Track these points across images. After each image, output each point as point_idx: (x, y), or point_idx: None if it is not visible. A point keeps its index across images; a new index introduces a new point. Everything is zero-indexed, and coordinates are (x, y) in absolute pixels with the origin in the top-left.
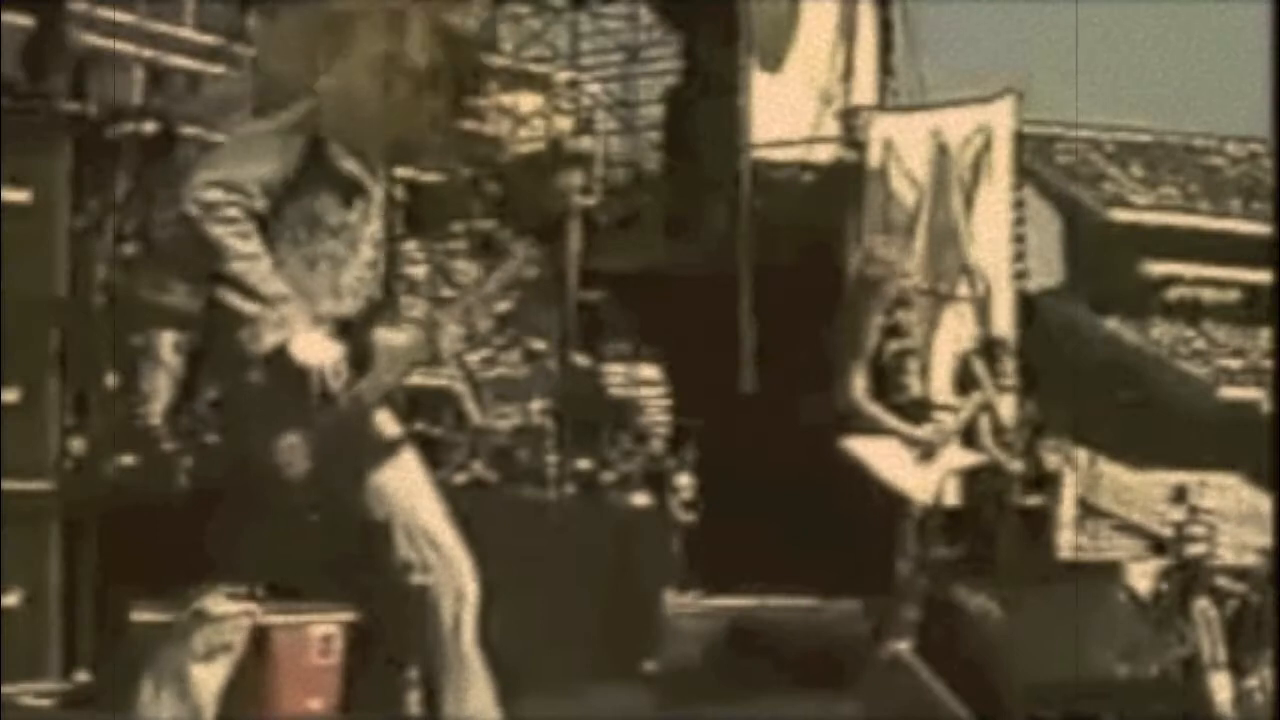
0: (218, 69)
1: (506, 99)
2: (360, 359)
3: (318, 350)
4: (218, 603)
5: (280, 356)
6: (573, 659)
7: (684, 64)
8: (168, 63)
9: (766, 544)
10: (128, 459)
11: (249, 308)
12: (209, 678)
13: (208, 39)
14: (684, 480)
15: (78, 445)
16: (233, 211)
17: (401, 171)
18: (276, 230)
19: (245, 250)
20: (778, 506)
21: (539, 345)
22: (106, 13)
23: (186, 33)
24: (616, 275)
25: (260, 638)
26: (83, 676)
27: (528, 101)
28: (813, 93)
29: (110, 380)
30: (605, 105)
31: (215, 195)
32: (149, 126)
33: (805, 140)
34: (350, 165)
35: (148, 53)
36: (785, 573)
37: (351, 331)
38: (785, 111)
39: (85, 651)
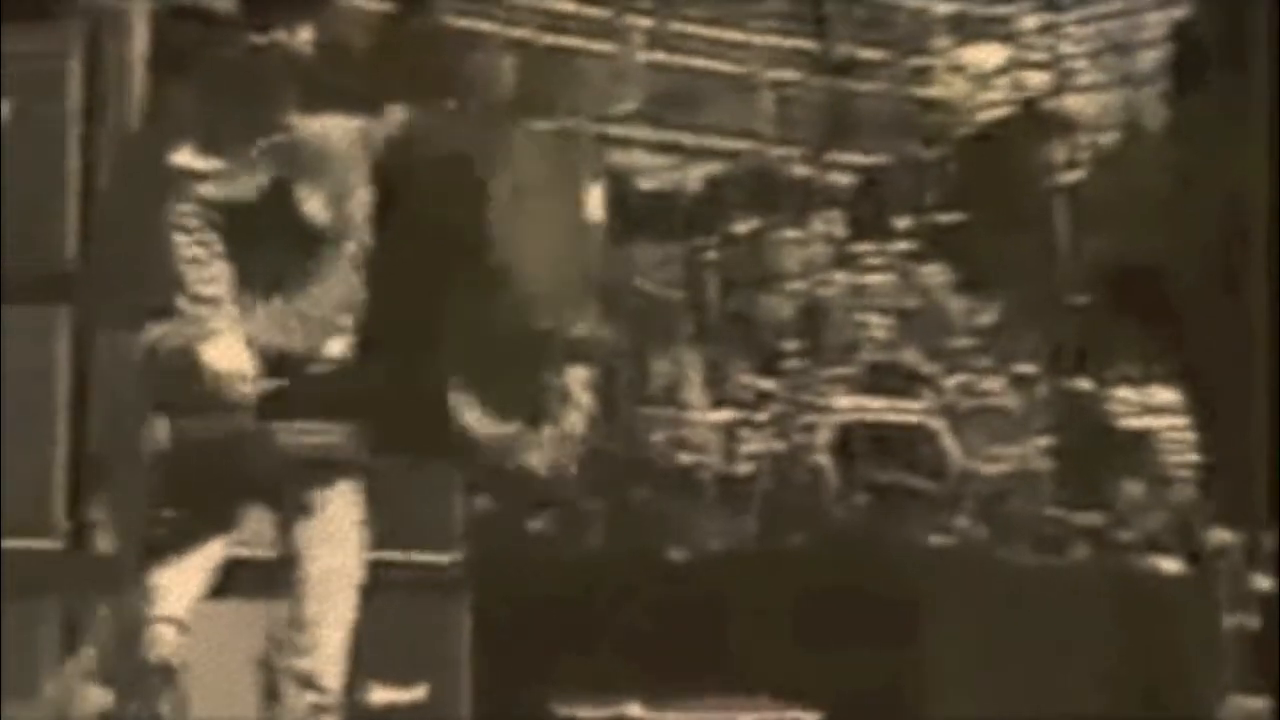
0: (603, 46)
1: (962, 53)
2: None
3: (226, 353)
4: None
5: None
6: None
7: None
8: (544, 42)
9: None
10: (539, 522)
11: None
12: None
13: (592, 11)
14: (1225, 539)
15: (482, 505)
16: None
17: (838, 156)
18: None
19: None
20: None
21: (1028, 368)
22: None
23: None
24: (1117, 272)
25: None
26: None
27: (990, 55)
28: None
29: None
30: (1092, 53)
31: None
32: None
33: None
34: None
35: (518, 32)
36: None
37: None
38: None
39: None
